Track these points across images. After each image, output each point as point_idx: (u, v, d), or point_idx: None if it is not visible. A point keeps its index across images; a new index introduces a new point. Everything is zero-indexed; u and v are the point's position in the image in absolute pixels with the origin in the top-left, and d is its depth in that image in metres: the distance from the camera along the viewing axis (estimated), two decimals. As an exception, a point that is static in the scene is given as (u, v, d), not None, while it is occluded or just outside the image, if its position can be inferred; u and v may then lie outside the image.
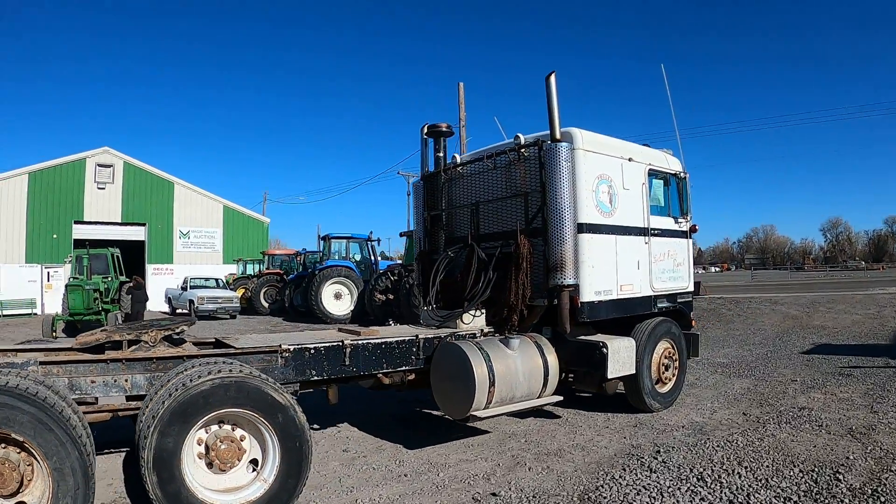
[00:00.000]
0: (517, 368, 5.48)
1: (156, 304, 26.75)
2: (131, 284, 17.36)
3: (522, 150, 6.26)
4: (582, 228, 5.96)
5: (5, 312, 21.79)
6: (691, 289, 7.50)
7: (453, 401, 5.42)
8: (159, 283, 27.44)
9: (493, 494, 4.41)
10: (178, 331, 4.81)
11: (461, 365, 5.25)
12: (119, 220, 27.15)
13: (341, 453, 5.66)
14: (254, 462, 4.08)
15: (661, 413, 6.68)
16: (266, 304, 24.33)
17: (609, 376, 6.02)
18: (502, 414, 5.52)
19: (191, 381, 3.82)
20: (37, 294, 23.13)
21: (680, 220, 7.29)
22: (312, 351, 5.03)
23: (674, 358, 6.99)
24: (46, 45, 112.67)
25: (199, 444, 3.93)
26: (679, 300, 7.24)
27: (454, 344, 5.46)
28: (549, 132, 5.94)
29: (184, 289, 24.02)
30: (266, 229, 34.60)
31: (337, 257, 21.83)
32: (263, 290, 24.85)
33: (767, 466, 4.76)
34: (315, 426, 6.57)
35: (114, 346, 4.55)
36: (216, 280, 25.18)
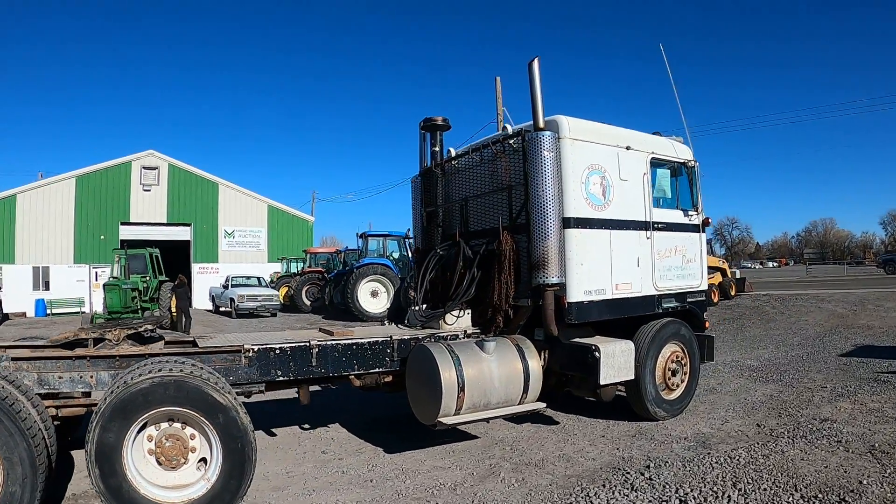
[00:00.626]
0: (492, 373, 5.16)
1: (201, 302, 27.94)
2: (175, 283, 18.04)
3: (507, 141, 5.91)
4: (569, 223, 5.56)
5: (55, 311, 23.35)
6: (704, 287, 6.90)
7: (423, 405, 5.19)
8: (204, 282, 28.49)
9: (450, 508, 4.15)
10: (142, 329, 4.91)
11: (429, 369, 5.01)
12: (165, 221, 28.39)
13: (319, 455, 5.57)
14: (203, 461, 4.07)
15: (668, 422, 6.18)
16: (308, 302, 24.58)
17: (602, 382, 5.59)
18: (475, 421, 5.23)
19: (132, 378, 3.85)
20: (85, 293, 24.59)
21: (690, 212, 6.71)
22: (278, 351, 4.95)
23: (683, 362, 6.46)
24: (90, 51, 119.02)
25: (150, 441, 3.97)
26: (689, 300, 6.67)
27: (424, 346, 5.22)
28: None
29: (225, 287, 24.72)
30: (310, 228, 35.25)
31: (375, 255, 21.99)
32: (305, 289, 25.15)
33: (764, 489, 4.24)
34: (305, 426, 6.55)
35: (95, 343, 4.72)
36: (258, 279, 25.84)
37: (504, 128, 6.12)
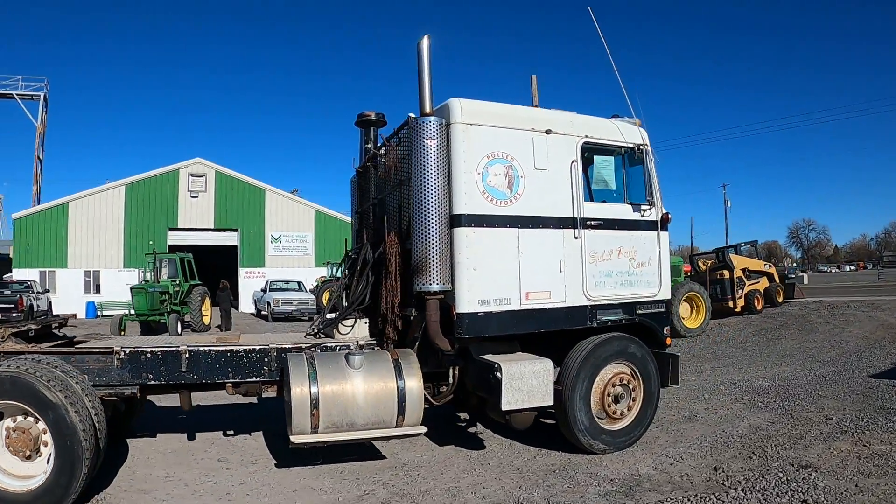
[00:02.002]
0: (355, 391, 4.51)
1: (247, 306, 28.95)
2: (219, 287, 18.77)
3: (402, 131, 5.19)
4: (460, 221, 4.76)
5: (105, 313, 24.56)
6: (664, 296, 5.75)
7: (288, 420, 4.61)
8: (251, 287, 29.45)
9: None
10: (25, 328, 5.18)
11: (286, 382, 4.44)
12: (212, 227, 29.68)
13: (214, 462, 5.28)
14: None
15: (607, 457, 5.21)
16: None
17: (504, 407, 4.73)
18: (339, 442, 4.64)
19: None
20: (133, 296, 25.87)
21: (643, 207, 5.61)
22: (149, 355, 4.71)
23: (631, 387, 5.40)
24: (140, 63, 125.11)
25: (5, 432, 4.15)
26: (641, 311, 5.58)
27: (285, 358, 4.67)
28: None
29: (264, 291, 25.44)
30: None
31: None
32: (324, 293, 25.48)
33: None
34: (230, 432, 6.25)
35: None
36: (298, 283, 26.33)
37: (409, 116, 5.39)
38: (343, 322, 5.44)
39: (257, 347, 4.98)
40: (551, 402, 4.94)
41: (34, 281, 23.58)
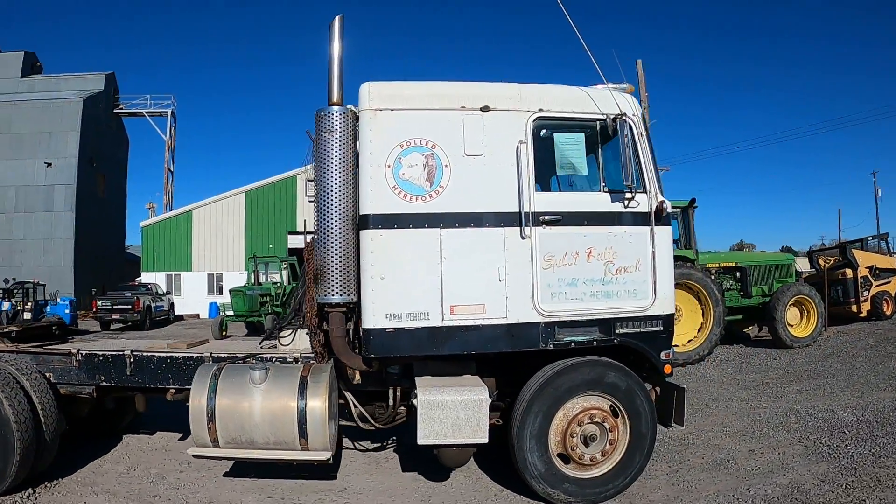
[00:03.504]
0: (252, 407, 4.19)
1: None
2: None
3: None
4: (367, 222, 4.11)
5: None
6: (661, 310, 4.44)
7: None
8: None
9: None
10: (7, 330, 5.78)
11: None
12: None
13: (176, 464, 5.35)
14: None
15: (572, 509, 4.17)
16: None
17: (419, 441, 4.04)
18: (242, 459, 4.39)
19: None
20: (255, 298, 28.30)
21: (628, 195, 4.37)
22: (101, 357, 4.92)
23: (608, 426, 4.27)
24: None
25: None
26: (623, 330, 4.37)
27: (197, 368, 4.53)
28: None
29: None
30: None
31: None
32: None
33: None
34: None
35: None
36: None
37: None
38: (282, 333, 5.11)
39: (194, 355, 4.95)
40: (484, 440, 4.08)
41: (155, 284, 26.20)
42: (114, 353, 4.93)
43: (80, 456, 5.39)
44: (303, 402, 4.15)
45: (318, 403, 4.16)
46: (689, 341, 10.76)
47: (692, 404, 7.37)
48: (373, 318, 4.11)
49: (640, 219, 4.40)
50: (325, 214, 4.10)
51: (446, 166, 4.19)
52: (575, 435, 4.27)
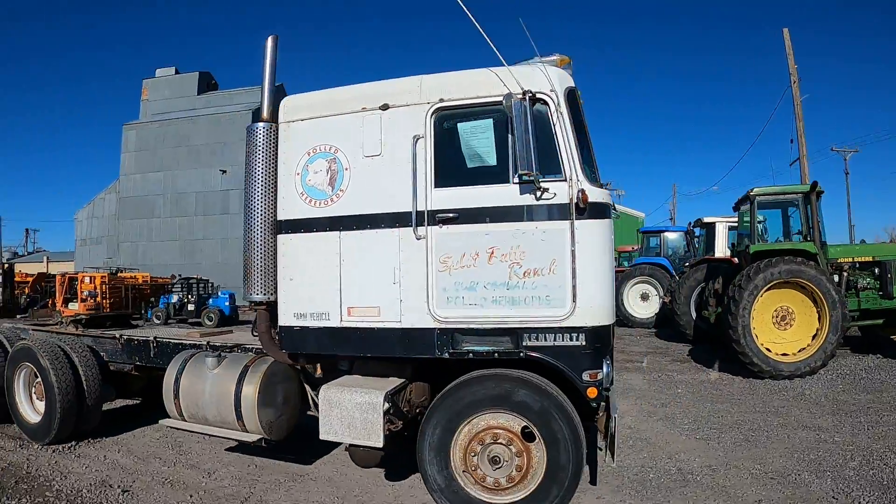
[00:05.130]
0: (204, 388, 4.82)
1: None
2: None
3: None
4: (281, 227, 4.44)
5: None
6: (583, 321, 3.71)
7: None
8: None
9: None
10: (77, 318, 7.11)
11: None
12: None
13: (151, 434, 6.17)
14: None
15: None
16: None
17: (320, 435, 4.19)
18: (201, 433, 4.98)
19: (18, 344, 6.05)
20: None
21: (544, 185, 3.78)
22: (135, 342, 6.05)
23: (514, 450, 3.83)
24: None
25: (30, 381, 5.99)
26: (532, 342, 3.80)
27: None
28: None
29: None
30: (641, 224, 33.09)
31: (653, 253, 19.66)
32: None
33: None
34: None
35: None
36: None
37: None
38: None
39: (197, 342, 5.65)
40: (377, 444, 3.99)
41: None
42: (143, 338, 5.92)
43: (133, 424, 6.47)
44: (240, 387, 4.64)
45: (250, 390, 4.61)
46: (801, 350, 8.72)
47: (753, 428, 6.25)
48: (284, 317, 4.38)
49: (557, 212, 3.76)
50: (249, 220, 4.51)
51: (347, 169, 4.23)
52: (476, 454, 3.88)
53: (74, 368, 5.63)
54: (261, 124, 4.56)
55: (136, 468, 5.17)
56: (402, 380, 4.34)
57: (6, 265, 20.05)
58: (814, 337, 8.66)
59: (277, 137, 4.52)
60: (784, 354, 8.68)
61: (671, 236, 19.69)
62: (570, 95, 3.92)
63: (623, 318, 18.53)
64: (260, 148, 4.51)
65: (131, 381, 6.47)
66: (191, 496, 4.56)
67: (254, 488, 4.73)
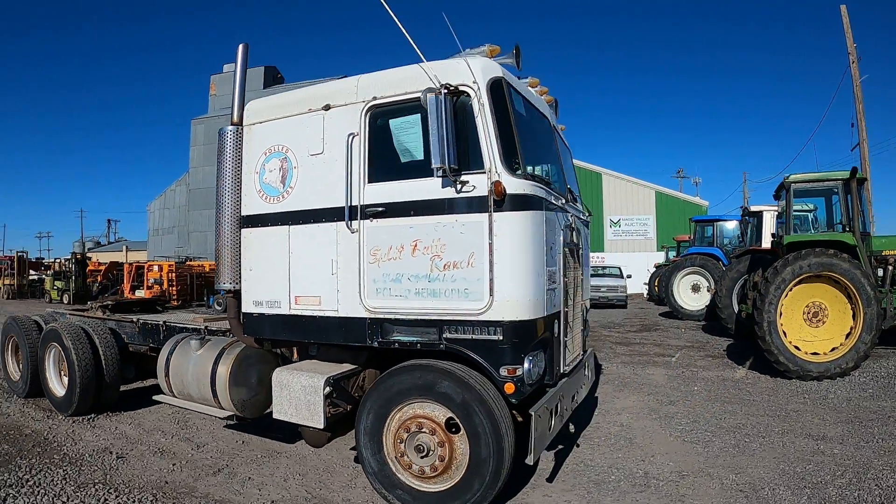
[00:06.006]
0: (188, 368, 5.35)
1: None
2: None
3: None
4: (243, 222, 4.83)
5: None
6: (502, 314, 3.75)
7: None
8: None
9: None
10: (105, 303, 7.81)
11: None
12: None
13: (167, 409, 6.70)
14: None
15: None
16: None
17: (273, 414, 4.55)
18: (188, 409, 5.53)
19: (51, 325, 6.90)
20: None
21: (464, 177, 3.85)
22: (149, 325, 6.70)
23: (437, 440, 3.98)
24: None
25: (55, 360, 6.80)
26: (451, 335, 3.90)
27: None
28: None
29: (589, 277, 25.79)
30: (704, 213, 31.29)
31: (706, 243, 18.70)
32: (656, 280, 23.60)
33: None
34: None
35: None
36: (618, 269, 25.62)
37: None
38: None
39: (197, 326, 6.11)
40: (318, 426, 4.27)
41: None
42: (154, 322, 6.52)
43: (151, 401, 6.72)
44: (215, 367, 5.13)
45: (223, 370, 5.07)
46: (833, 350, 8.02)
47: (750, 433, 5.95)
48: (246, 305, 4.78)
49: (476, 205, 3.82)
50: (219, 215, 4.91)
51: (295, 168, 4.52)
52: (402, 441, 4.05)
53: (95, 349, 6.36)
54: (230, 128, 4.95)
55: (138, 438, 5.83)
56: (355, 366, 4.59)
57: (80, 255, 22.41)
58: (848, 336, 7.95)
59: (244, 139, 4.90)
60: (815, 354, 8.00)
61: (728, 225, 18.55)
62: (495, 86, 3.93)
63: (672, 310, 17.87)
64: (228, 149, 4.90)
65: (150, 362, 7.13)
66: (174, 465, 5.09)
67: (231, 461, 5.19)
